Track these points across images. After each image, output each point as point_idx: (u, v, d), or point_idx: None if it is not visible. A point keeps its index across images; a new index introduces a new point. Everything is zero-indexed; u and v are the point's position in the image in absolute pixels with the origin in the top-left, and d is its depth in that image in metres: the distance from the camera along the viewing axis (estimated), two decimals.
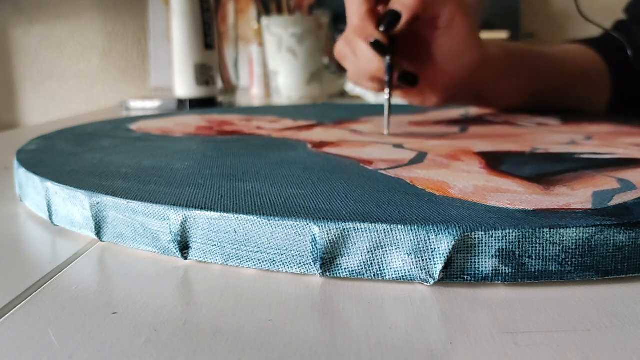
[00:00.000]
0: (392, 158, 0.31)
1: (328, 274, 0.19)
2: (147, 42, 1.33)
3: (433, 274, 0.19)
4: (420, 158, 0.31)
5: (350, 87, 0.94)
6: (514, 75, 0.51)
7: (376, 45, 0.41)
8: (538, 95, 0.53)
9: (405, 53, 0.43)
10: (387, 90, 0.42)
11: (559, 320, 0.16)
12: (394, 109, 0.59)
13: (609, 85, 0.56)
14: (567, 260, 0.19)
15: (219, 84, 0.88)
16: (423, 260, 0.19)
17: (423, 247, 0.19)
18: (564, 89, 0.54)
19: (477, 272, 0.19)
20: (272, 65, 0.93)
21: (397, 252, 0.19)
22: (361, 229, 0.19)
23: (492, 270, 0.19)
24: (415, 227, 0.19)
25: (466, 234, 0.18)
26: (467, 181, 0.25)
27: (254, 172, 0.27)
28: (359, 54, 0.43)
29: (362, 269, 0.19)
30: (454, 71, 0.44)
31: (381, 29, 0.41)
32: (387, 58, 0.41)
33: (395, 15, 0.40)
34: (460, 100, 0.51)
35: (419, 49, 0.44)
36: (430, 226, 0.19)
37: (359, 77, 0.45)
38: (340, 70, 1.06)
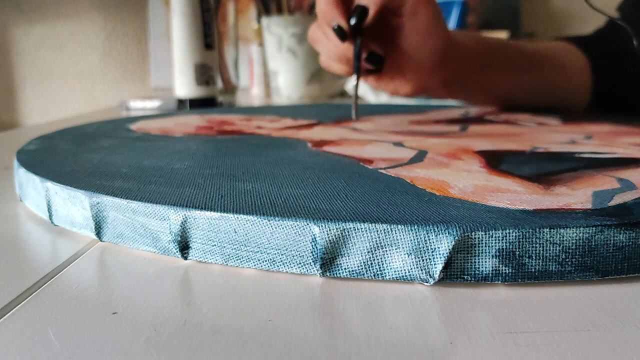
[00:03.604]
0: (392, 157, 0.31)
1: (328, 274, 0.19)
2: (147, 42, 1.33)
3: (433, 274, 0.19)
4: (420, 157, 0.31)
5: (350, 87, 0.94)
6: (485, 66, 0.51)
7: (338, 31, 0.43)
8: (513, 89, 0.53)
9: (374, 40, 0.45)
10: (354, 76, 0.44)
11: (559, 320, 0.16)
12: (394, 109, 0.59)
13: (589, 83, 0.56)
14: (567, 260, 0.19)
15: (219, 84, 0.88)
16: (423, 260, 0.19)
17: (423, 247, 0.19)
18: (541, 83, 0.54)
19: (477, 272, 0.19)
20: (272, 65, 0.93)
21: (397, 252, 0.19)
22: (361, 229, 0.19)
23: (492, 270, 0.19)
24: (415, 227, 0.19)
25: (466, 234, 0.18)
26: (467, 180, 0.25)
27: (254, 172, 0.27)
28: (329, 35, 0.44)
29: (362, 269, 0.19)
30: (421, 57, 0.45)
31: (351, 22, 0.42)
32: (357, 44, 0.43)
33: (363, 10, 0.42)
34: (432, 92, 0.51)
35: (387, 37, 0.45)
36: (430, 226, 0.19)
37: (329, 60, 0.47)
38: None
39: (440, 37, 0.45)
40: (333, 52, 0.45)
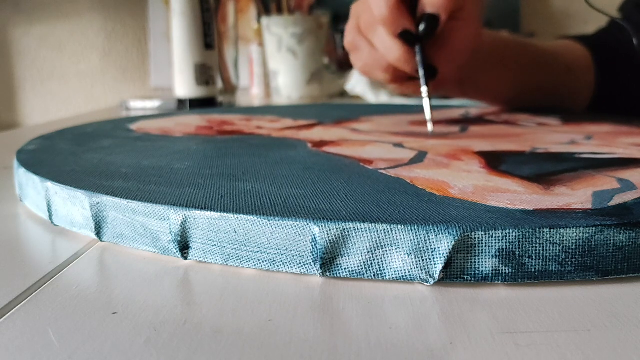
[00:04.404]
0: (392, 157, 0.31)
1: (328, 274, 0.19)
2: (147, 42, 1.33)
3: (433, 274, 0.19)
4: (420, 157, 0.31)
5: (350, 87, 0.94)
6: (498, 64, 0.51)
7: (405, 36, 0.41)
8: (521, 87, 0.53)
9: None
10: (424, 88, 0.42)
11: (559, 320, 0.16)
12: (394, 109, 0.59)
13: (592, 82, 0.56)
14: (567, 260, 0.19)
15: (219, 84, 0.88)
16: (423, 260, 0.19)
17: (423, 247, 0.19)
18: (548, 82, 0.54)
19: (477, 272, 0.19)
20: (272, 65, 0.93)
21: (397, 252, 0.19)
22: (361, 229, 0.19)
23: (492, 270, 0.19)
24: (415, 227, 0.19)
25: (466, 234, 0.18)
26: (467, 181, 0.25)
27: (254, 172, 0.27)
28: (377, 43, 0.42)
29: (362, 269, 0.19)
30: (462, 58, 0.44)
31: (421, 32, 0.41)
32: (418, 53, 0.41)
33: (434, 18, 0.40)
34: (446, 91, 0.51)
35: (434, 41, 0.43)
36: (430, 226, 0.19)
37: (372, 68, 0.45)
38: (341, 70, 1.06)
39: (480, 37, 0.45)
40: (379, 60, 0.43)
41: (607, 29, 0.60)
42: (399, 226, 0.19)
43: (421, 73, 0.41)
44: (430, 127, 0.41)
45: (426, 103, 0.42)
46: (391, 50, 0.41)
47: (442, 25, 0.41)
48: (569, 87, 0.56)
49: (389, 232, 0.19)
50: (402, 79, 0.45)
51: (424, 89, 0.42)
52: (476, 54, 0.47)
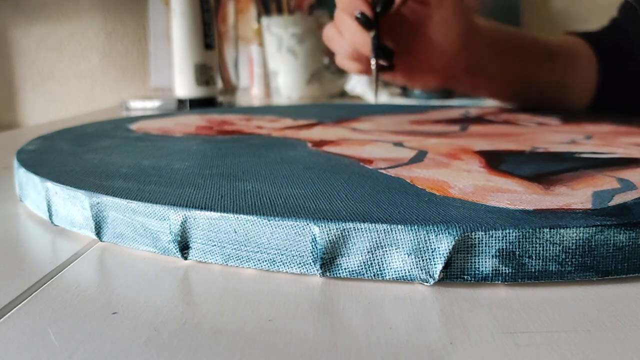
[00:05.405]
0: (392, 157, 0.31)
1: (328, 274, 0.19)
2: (147, 42, 1.33)
3: (433, 274, 0.19)
4: (420, 157, 0.31)
5: (350, 87, 0.94)
6: (507, 53, 0.52)
7: (362, 19, 0.43)
8: (524, 80, 0.54)
9: (389, 34, 0.45)
10: (373, 61, 0.44)
11: (559, 320, 0.16)
12: (394, 109, 0.59)
13: (595, 80, 0.56)
14: (567, 260, 0.19)
15: (219, 84, 0.88)
16: (423, 260, 0.19)
17: (423, 247, 0.19)
18: (552, 78, 0.55)
19: (477, 272, 0.19)
20: (272, 65, 0.93)
21: (397, 252, 0.19)
22: (361, 229, 0.19)
23: (492, 270, 0.19)
24: (415, 227, 0.19)
25: (466, 234, 0.18)
26: (467, 180, 0.25)
27: (254, 172, 0.27)
28: (344, 31, 0.44)
29: (362, 269, 0.19)
30: (447, 44, 0.45)
31: (377, 9, 0.43)
32: (374, 36, 0.43)
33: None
34: (458, 82, 0.52)
35: (408, 28, 0.45)
36: (430, 226, 0.19)
37: (343, 58, 0.46)
38: (341, 70, 1.06)
39: (464, 20, 0.46)
40: (346, 48, 0.45)
41: (613, 27, 0.60)
42: (399, 226, 0.19)
43: (373, 53, 0.44)
44: (374, 98, 0.47)
45: (374, 74, 0.45)
46: (354, 35, 0.43)
47: (398, 6, 0.43)
48: (572, 84, 0.56)
49: (389, 232, 0.19)
50: (368, 67, 0.46)
51: (372, 61, 0.44)
52: (479, 38, 0.48)
